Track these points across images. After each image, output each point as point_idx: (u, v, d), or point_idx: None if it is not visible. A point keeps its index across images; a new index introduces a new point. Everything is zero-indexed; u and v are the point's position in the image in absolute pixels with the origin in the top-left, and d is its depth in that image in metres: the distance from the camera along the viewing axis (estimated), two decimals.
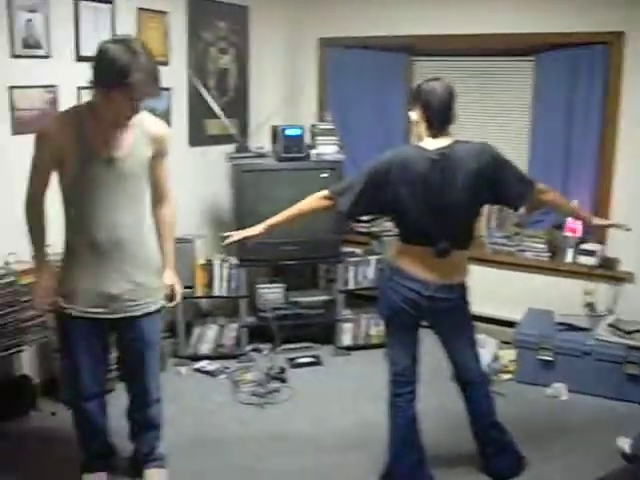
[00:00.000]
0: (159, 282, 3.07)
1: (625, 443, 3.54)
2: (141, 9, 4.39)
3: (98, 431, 3.20)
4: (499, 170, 2.98)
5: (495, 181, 2.97)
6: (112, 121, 2.73)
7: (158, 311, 3.08)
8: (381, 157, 3.00)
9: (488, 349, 4.51)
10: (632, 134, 4.61)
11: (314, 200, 3.11)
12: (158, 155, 2.95)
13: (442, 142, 2.96)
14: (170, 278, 3.16)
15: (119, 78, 2.54)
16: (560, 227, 4.88)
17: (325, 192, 3.08)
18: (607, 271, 4.71)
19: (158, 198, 3.11)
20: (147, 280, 2.98)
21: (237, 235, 3.21)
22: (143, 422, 3.25)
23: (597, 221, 3.53)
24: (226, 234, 3.24)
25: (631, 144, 4.62)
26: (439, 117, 2.95)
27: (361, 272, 4.90)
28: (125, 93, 2.59)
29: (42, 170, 2.80)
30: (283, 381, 4.39)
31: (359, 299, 5.05)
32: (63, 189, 2.84)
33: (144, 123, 2.86)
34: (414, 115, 3.03)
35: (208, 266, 4.65)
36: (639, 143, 4.57)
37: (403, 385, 3.17)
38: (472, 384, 3.27)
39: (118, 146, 2.77)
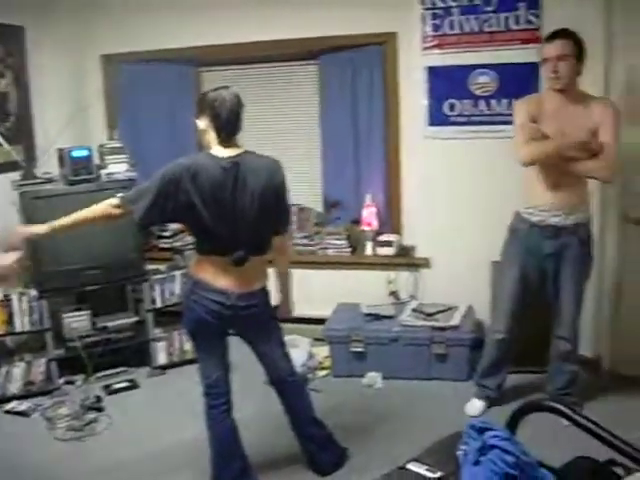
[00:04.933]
0: None
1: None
2: None
3: None
4: (281, 194, 3.10)
5: (277, 201, 3.09)
6: None
7: None
8: (173, 164, 2.95)
9: (302, 348, 4.60)
10: (410, 127, 4.84)
11: (103, 207, 2.99)
12: None
13: (233, 151, 2.98)
14: None
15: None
16: (357, 222, 5.06)
17: (114, 200, 2.98)
18: (405, 259, 4.93)
19: None
20: None
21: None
22: None
23: None
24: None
25: (412, 138, 4.83)
26: (228, 126, 2.97)
27: (168, 289, 4.82)
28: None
29: None
30: (100, 410, 4.23)
31: (169, 316, 4.95)
32: None
33: None
34: (202, 124, 3.02)
35: (6, 302, 4.40)
36: (418, 136, 4.76)
37: (217, 396, 3.17)
38: (285, 384, 3.31)
39: None
